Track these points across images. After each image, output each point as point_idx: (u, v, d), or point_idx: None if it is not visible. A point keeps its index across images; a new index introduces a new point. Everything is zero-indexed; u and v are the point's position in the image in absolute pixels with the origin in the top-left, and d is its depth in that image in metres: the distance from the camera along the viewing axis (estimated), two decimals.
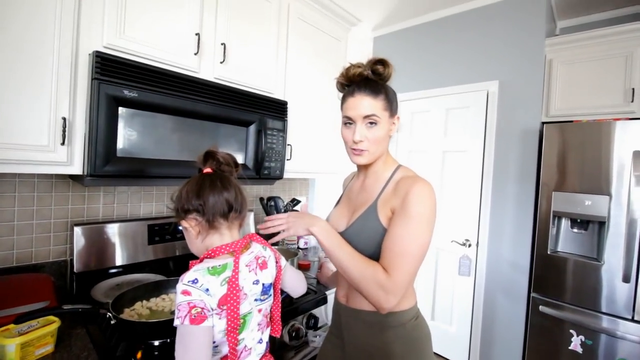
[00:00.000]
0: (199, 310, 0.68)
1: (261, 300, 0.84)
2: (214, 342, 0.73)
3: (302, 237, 2.21)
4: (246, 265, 0.80)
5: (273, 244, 0.94)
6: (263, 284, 0.84)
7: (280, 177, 1.72)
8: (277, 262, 0.91)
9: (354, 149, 0.91)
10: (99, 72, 1.07)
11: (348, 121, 0.92)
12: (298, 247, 2.19)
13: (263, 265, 0.85)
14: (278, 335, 0.92)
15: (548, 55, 2.14)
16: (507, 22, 2.24)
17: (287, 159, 1.80)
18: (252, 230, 2.02)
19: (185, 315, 0.67)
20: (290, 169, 1.84)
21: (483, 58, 2.34)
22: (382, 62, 0.90)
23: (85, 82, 1.11)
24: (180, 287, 0.70)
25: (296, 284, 1.01)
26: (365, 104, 0.88)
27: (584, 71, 2.04)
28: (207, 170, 0.84)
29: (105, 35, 1.14)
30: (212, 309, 0.70)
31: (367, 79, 0.91)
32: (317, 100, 2.00)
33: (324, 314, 1.55)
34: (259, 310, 0.84)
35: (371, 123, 0.88)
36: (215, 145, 0.89)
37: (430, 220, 0.84)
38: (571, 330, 1.81)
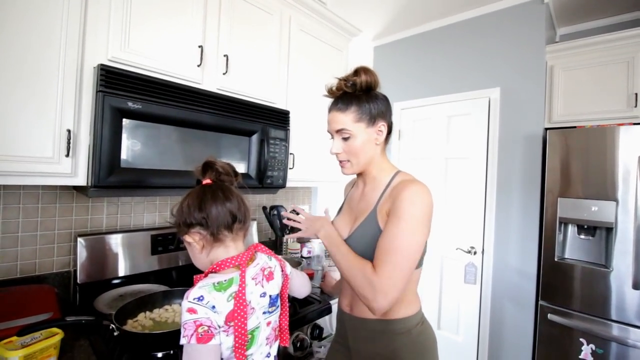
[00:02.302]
0: (206, 328, 0.66)
1: (269, 312, 0.83)
2: (221, 359, 0.71)
3: (310, 240, 2.26)
4: (252, 279, 0.78)
5: (276, 254, 0.94)
6: (270, 296, 0.82)
7: (282, 186, 1.72)
8: (282, 271, 0.90)
9: (338, 161, 0.98)
10: (104, 85, 1.08)
11: (329, 135, 0.98)
12: (301, 256, 2.18)
13: (269, 277, 0.84)
14: (287, 345, 0.91)
15: (549, 62, 2.15)
16: (507, 30, 2.25)
17: (290, 168, 1.80)
18: (256, 240, 2.01)
19: (192, 334, 0.65)
20: (293, 178, 1.85)
21: (484, 65, 2.35)
22: (356, 72, 0.92)
23: (90, 95, 1.12)
24: (185, 304, 0.68)
25: (302, 288, 1.01)
26: (335, 119, 0.93)
27: (586, 77, 2.04)
28: (207, 181, 0.82)
29: (110, 48, 1.16)
30: (219, 327, 0.69)
31: (345, 93, 0.93)
32: (319, 109, 2.01)
33: (329, 323, 1.53)
34: (268, 324, 0.82)
35: (344, 138, 0.93)
36: (213, 156, 0.87)
37: (421, 221, 0.82)
38: (581, 339, 1.77)
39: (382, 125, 0.93)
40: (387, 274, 0.79)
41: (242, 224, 0.81)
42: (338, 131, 0.93)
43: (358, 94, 0.92)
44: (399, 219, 0.82)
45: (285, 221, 1.05)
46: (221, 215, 0.77)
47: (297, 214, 1.05)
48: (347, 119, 0.91)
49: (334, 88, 0.95)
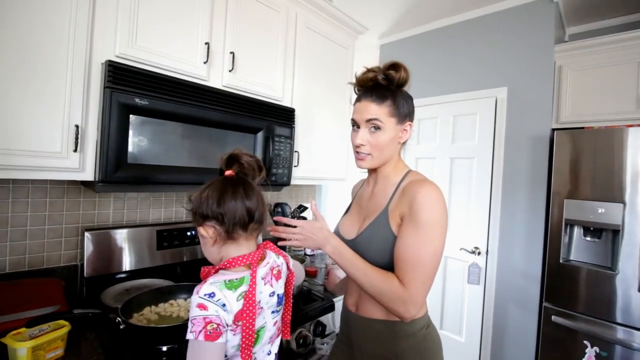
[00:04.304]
0: (215, 326, 0.65)
1: (277, 311, 0.83)
2: (225, 356, 0.71)
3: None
4: (262, 278, 0.78)
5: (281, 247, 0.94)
6: (278, 295, 0.82)
7: (287, 184, 1.72)
8: (287, 267, 0.90)
9: (357, 152, 0.93)
10: (111, 81, 1.09)
11: (354, 124, 0.94)
12: (305, 254, 2.19)
13: (278, 276, 0.84)
14: (288, 338, 0.91)
15: (558, 62, 2.13)
16: (515, 29, 2.23)
17: (295, 166, 1.81)
18: (260, 237, 2.02)
19: (201, 331, 0.64)
20: (298, 176, 1.85)
21: (491, 65, 2.33)
22: (395, 67, 0.89)
23: (97, 91, 1.13)
24: (196, 299, 0.67)
25: (298, 278, 1.00)
26: (368, 109, 0.89)
27: (595, 77, 2.01)
28: (229, 172, 0.80)
29: (118, 45, 1.16)
30: (228, 325, 0.68)
31: (378, 84, 0.90)
32: (325, 107, 2.01)
33: (332, 321, 1.54)
34: (274, 323, 0.82)
35: (375, 128, 0.89)
36: (240, 148, 0.84)
37: (440, 226, 0.82)
38: (585, 342, 1.76)
39: (408, 125, 0.92)
40: (417, 287, 0.80)
41: (259, 224, 0.80)
42: (369, 121, 0.89)
43: (393, 88, 0.90)
44: (419, 227, 0.80)
45: (272, 233, 0.92)
46: (238, 214, 0.75)
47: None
48: (382, 111, 0.88)
49: (365, 78, 0.91)
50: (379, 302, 0.83)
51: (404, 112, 0.90)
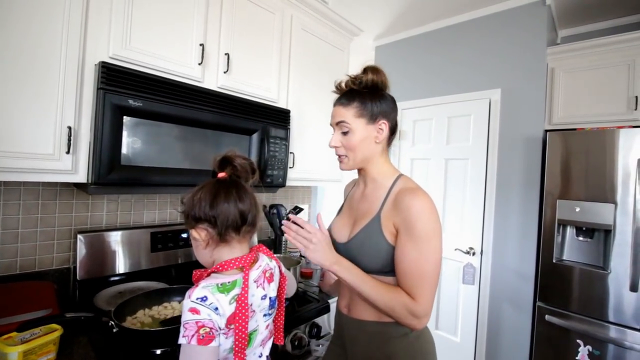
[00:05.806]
0: (208, 330, 0.65)
1: (269, 314, 0.83)
2: None
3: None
4: (254, 281, 0.77)
5: (275, 252, 0.94)
6: (270, 298, 0.82)
7: (282, 185, 1.72)
8: (280, 271, 0.90)
9: (337, 156, 0.98)
10: (105, 82, 1.08)
11: (332, 129, 0.99)
12: (301, 255, 2.18)
13: (270, 278, 0.83)
14: (281, 343, 0.90)
15: (550, 64, 2.15)
16: (508, 31, 2.25)
17: (290, 167, 1.81)
18: (255, 238, 2.01)
19: (193, 335, 0.64)
20: (293, 177, 1.85)
21: (485, 67, 2.35)
22: (365, 70, 0.94)
23: (90, 92, 1.13)
24: (188, 304, 0.67)
25: (290, 287, 1.00)
26: (337, 112, 0.94)
27: (587, 79, 2.04)
28: (222, 174, 0.80)
29: (112, 46, 1.16)
30: (220, 329, 0.68)
31: (351, 89, 0.95)
32: (320, 108, 2.01)
33: (327, 322, 1.53)
34: (267, 327, 0.82)
35: (344, 132, 0.93)
36: (233, 150, 0.83)
37: (438, 234, 0.84)
38: (578, 340, 1.78)
39: (382, 124, 0.93)
40: (427, 300, 0.82)
41: (251, 226, 0.80)
42: (338, 124, 0.94)
43: (363, 91, 0.92)
44: (419, 240, 0.81)
45: (284, 227, 0.91)
46: (231, 217, 0.75)
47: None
48: (349, 113, 0.92)
49: (342, 84, 0.96)
50: (390, 316, 0.85)
51: (375, 112, 0.92)
